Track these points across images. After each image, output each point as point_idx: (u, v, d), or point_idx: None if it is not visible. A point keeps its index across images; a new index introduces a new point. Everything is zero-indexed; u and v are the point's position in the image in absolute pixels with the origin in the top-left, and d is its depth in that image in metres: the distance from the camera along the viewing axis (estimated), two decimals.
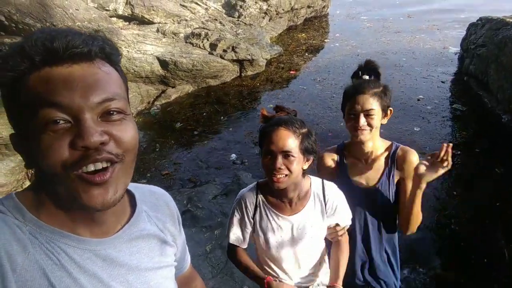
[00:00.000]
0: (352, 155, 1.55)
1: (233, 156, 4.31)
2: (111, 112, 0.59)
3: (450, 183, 3.62)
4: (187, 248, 0.95)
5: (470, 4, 9.49)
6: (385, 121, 1.48)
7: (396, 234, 1.61)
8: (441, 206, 3.38)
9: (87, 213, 0.63)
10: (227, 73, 6.28)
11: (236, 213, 1.39)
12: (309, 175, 1.41)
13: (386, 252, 1.57)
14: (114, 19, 6.40)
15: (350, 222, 1.44)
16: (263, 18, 8.20)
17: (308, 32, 8.76)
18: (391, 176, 1.50)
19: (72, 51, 0.57)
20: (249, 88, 6.11)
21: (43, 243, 0.60)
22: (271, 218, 1.36)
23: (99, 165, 0.58)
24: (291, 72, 6.60)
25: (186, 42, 6.36)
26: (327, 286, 1.39)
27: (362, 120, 1.39)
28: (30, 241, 0.59)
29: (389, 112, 1.48)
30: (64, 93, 0.55)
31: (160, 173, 4.33)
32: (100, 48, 0.61)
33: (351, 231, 1.52)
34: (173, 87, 5.97)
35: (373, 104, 1.39)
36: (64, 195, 0.59)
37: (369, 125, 1.41)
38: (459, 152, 4.01)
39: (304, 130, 1.26)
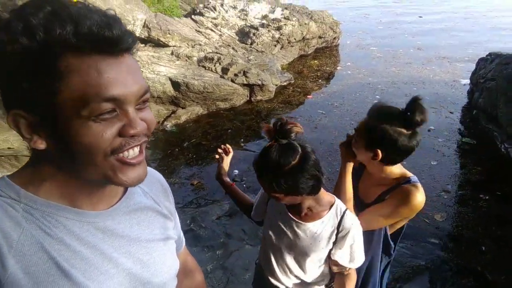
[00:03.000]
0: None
1: (236, 171, 4.34)
2: (144, 101, 0.65)
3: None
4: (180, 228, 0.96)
5: (478, 41, 9.63)
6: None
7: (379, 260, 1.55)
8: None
9: (90, 188, 0.65)
10: (237, 96, 6.38)
11: (259, 195, 1.48)
12: (335, 197, 1.33)
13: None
14: None
15: (353, 267, 1.32)
16: (275, 46, 8.40)
17: (321, 59, 8.94)
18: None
19: (124, 44, 0.59)
20: (268, 110, 6.27)
21: (39, 218, 0.61)
22: (278, 212, 1.35)
23: (136, 150, 0.64)
24: (308, 96, 6.80)
25: (198, 65, 6.53)
26: None
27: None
28: (24, 218, 0.59)
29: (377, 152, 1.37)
30: (116, 88, 0.58)
31: None
32: (135, 43, 0.63)
33: None
34: (183, 108, 6.07)
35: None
36: (95, 175, 0.62)
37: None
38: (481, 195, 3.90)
39: (274, 173, 1.12)
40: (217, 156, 1.68)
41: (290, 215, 1.31)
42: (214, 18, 8.54)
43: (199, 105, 6.14)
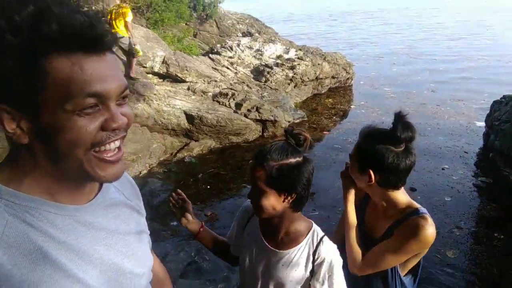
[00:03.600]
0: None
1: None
2: (124, 97, 0.67)
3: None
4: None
5: (493, 83, 9.61)
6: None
7: None
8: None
9: (69, 182, 0.67)
10: (250, 131, 6.46)
11: (236, 218, 1.41)
12: (313, 223, 1.27)
13: None
14: (150, 75, 6.93)
15: None
16: (289, 84, 8.60)
17: (335, 98, 9.10)
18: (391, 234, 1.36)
19: (106, 43, 0.62)
20: None
21: (22, 212, 0.61)
22: (253, 239, 1.29)
23: (117, 143, 0.66)
24: (324, 132, 6.89)
25: (213, 100, 6.71)
26: None
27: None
28: (7, 212, 0.60)
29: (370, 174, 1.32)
30: (99, 84, 0.60)
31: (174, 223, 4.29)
32: (115, 41, 0.66)
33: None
34: (196, 141, 6.17)
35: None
36: (74, 169, 0.63)
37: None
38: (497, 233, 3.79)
39: (279, 163, 1.11)
40: (173, 210, 1.45)
41: (266, 243, 1.25)
42: (231, 57, 8.89)
43: (212, 139, 6.23)
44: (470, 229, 3.94)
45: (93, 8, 6.18)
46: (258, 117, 6.49)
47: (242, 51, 9.22)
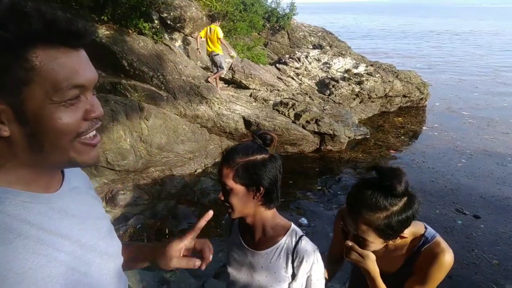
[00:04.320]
0: None
1: (304, 220, 4.29)
2: (94, 88, 0.72)
3: None
4: None
5: None
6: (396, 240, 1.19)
7: None
8: None
9: (45, 171, 0.70)
10: (306, 143, 6.36)
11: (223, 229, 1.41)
12: (292, 223, 1.24)
13: None
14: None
15: None
16: (354, 99, 8.31)
17: (405, 117, 8.61)
18: (412, 270, 1.23)
19: (87, 38, 0.66)
20: (351, 158, 6.32)
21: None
22: (235, 244, 1.28)
23: (95, 131, 0.71)
24: (391, 151, 6.62)
25: (273, 109, 6.74)
26: None
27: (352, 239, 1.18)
28: None
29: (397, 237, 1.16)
30: (80, 76, 0.65)
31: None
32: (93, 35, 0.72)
33: None
34: None
35: (366, 233, 1.12)
36: (60, 158, 0.67)
37: (362, 244, 1.17)
38: None
39: (246, 159, 1.12)
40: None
41: (244, 244, 1.25)
42: (297, 68, 8.88)
43: None
44: None
45: (171, 14, 6.65)
46: (316, 129, 6.36)
47: (310, 63, 9.17)
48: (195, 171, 5.62)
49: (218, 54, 6.82)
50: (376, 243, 1.14)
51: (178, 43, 6.84)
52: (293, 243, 1.18)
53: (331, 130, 6.39)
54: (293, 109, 6.63)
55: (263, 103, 6.88)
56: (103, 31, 5.89)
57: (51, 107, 0.62)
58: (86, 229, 0.75)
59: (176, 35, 6.83)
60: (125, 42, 5.97)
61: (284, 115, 6.55)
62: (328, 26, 16.68)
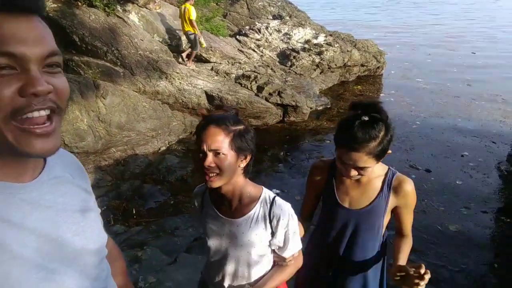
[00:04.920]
0: None
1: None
2: (53, 65, 0.63)
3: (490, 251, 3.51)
4: None
5: None
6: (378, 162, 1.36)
7: (381, 258, 1.50)
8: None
9: (12, 159, 0.64)
10: (270, 115, 6.41)
11: (193, 206, 1.44)
12: (263, 187, 1.31)
13: (367, 276, 1.47)
14: (175, 54, 6.96)
15: (293, 253, 1.31)
16: (314, 70, 8.41)
17: (364, 85, 8.91)
18: (387, 201, 1.39)
19: (24, 4, 0.59)
20: (315, 126, 6.49)
21: None
22: (211, 216, 1.31)
23: (43, 113, 0.60)
24: None
25: (235, 82, 6.68)
26: (247, 285, 1.27)
27: (353, 173, 1.30)
28: None
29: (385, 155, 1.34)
30: (15, 44, 0.57)
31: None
32: (42, 4, 0.64)
33: (327, 252, 1.45)
34: None
35: (367, 162, 1.26)
36: (4, 144, 0.60)
37: (360, 174, 1.31)
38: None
39: (237, 127, 1.18)
40: None
41: (220, 215, 1.28)
42: (258, 40, 8.77)
43: None
44: (478, 210, 4.04)
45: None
46: (279, 102, 6.41)
47: (270, 34, 9.08)
48: (159, 149, 5.52)
49: (193, 33, 6.81)
50: (373, 166, 1.29)
51: (132, 15, 6.48)
52: (268, 205, 1.25)
53: (294, 101, 6.47)
54: (256, 82, 6.61)
55: (225, 77, 6.79)
56: (49, 4, 5.44)
57: None
58: (60, 222, 0.69)
59: (130, 6, 6.45)
60: (75, 16, 5.56)
61: (247, 88, 6.52)
62: None
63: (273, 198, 1.27)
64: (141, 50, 5.85)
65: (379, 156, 1.27)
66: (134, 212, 4.09)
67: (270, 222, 1.24)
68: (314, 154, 5.57)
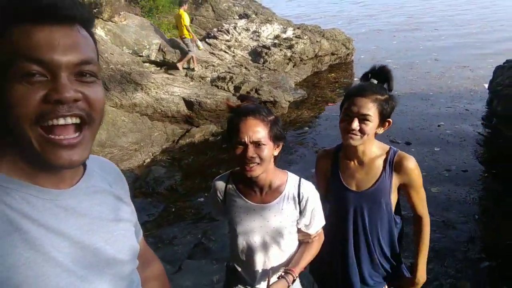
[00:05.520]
0: (345, 156, 1.50)
1: None
2: (85, 74, 0.62)
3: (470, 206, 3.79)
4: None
5: (497, 50, 9.38)
6: (380, 131, 1.41)
7: (395, 235, 1.53)
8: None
9: (50, 167, 0.64)
10: None
11: (211, 199, 1.44)
12: (287, 171, 1.38)
13: (381, 255, 1.51)
14: (147, 64, 6.88)
15: (319, 228, 1.40)
16: (287, 64, 8.49)
17: (337, 72, 9.12)
18: (390, 181, 1.42)
19: (59, 14, 0.59)
20: (297, 116, 6.66)
21: (1, 194, 0.60)
22: (239, 205, 1.34)
23: (69, 120, 0.60)
24: (329, 104, 7.08)
25: (212, 85, 6.66)
26: (284, 269, 1.29)
27: (355, 124, 1.32)
28: None
29: (387, 123, 1.41)
30: (46, 50, 0.57)
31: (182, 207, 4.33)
32: (81, 14, 0.63)
33: (341, 235, 1.48)
34: (197, 127, 6.16)
35: (371, 109, 1.31)
36: (29, 150, 0.60)
37: (361, 131, 1.34)
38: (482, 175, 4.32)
39: (271, 118, 1.25)
40: None
41: (251, 202, 1.33)
42: (228, 41, 8.77)
43: (212, 123, 6.21)
44: (458, 170, 4.36)
45: None
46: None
47: (239, 34, 9.10)
48: (144, 162, 5.44)
49: (186, 38, 7.20)
50: (374, 122, 1.33)
51: (98, 30, 6.35)
52: (296, 186, 1.33)
53: (272, 97, 6.52)
54: (232, 82, 6.62)
55: (200, 81, 6.76)
56: None
57: (8, 84, 0.56)
58: (93, 230, 0.69)
59: (95, 21, 6.32)
60: None
61: (224, 89, 6.52)
62: None
63: (299, 180, 1.35)
64: (113, 64, 5.75)
65: (382, 111, 1.33)
66: None
67: (299, 202, 1.32)
68: (300, 141, 5.71)
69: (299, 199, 1.32)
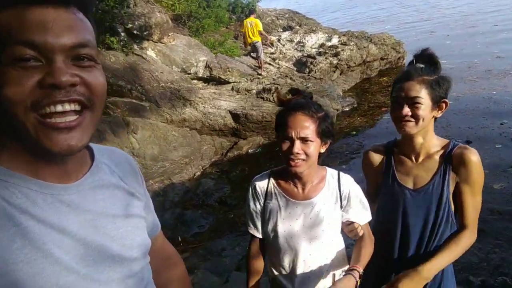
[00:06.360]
0: (401, 152, 1.36)
1: None
2: (82, 57, 0.59)
3: None
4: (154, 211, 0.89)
5: None
6: (438, 114, 1.28)
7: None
8: None
9: (51, 158, 0.61)
10: None
11: (249, 201, 1.37)
12: (326, 167, 1.35)
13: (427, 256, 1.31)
14: (195, 80, 7.12)
15: (368, 219, 1.33)
16: (334, 72, 8.32)
17: (390, 76, 8.75)
18: (447, 177, 1.26)
19: None
20: (349, 123, 6.62)
21: (0, 189, 0.58)
22: (281, 203, 1.29)
23: (67, 107, 0.57)
24: (383, 109, 6.87)
25: (257, 97, 6.70)
26: (348, 269, 1.19)
27: (406, 109, 1.21)
28: None
29: (443, 104, 1.27)
30: (38, 33, 0.54)
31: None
32: None
33: (390, 234, 1.36)
34: (244, 139, 6.20)
35: (420, 92, 1.20)
36: (26, 138, 0.57)
37: (414, 116, 1.21)
38: None
39: (321, 114, 1.20)
40: None
41: (293, 200, 1.29)
42: (272, 53, 8.84)
43: (259, 135, 6.22)
44: None
45: (136, 23, 6.52)
46: None
47: (283, 45, 9.13)
48: (194, 175, 5.57)
49: (258, 42, 7.99)
50: (426, 105, 1.21)
51: (149, 51, 6.72)
52: (336, 180, 1.31)
53: None
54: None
55: (246, 94, 6.83)
56: None
57: (1, 68, 0.53)
58: (98, 227, 0.66)
59: (146, 43, 6.70)
60: None
61: (269, 101, 6.51)
62: (294, 7, 16.65)
63: (338, 173, 1.33)
64: (163, 82, 6.03)
65: (433, 92, 1.21)
66: (179, 239, 4.10)
67: (341, 196, 1.29)
68: (351, 148, 5.58)
69: (340, 192, 1.29)
